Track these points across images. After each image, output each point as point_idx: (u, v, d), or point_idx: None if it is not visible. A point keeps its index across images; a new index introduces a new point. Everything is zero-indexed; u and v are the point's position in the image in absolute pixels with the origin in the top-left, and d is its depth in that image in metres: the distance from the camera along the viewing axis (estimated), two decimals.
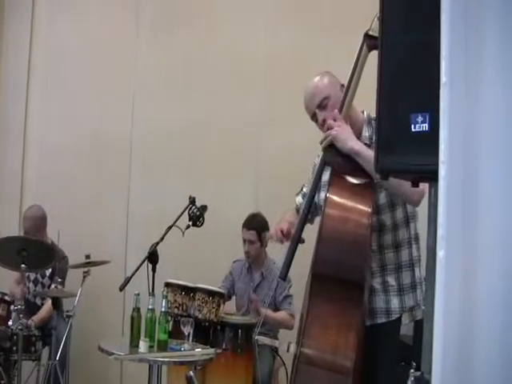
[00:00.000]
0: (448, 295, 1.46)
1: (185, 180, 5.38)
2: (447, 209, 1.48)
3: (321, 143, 2.82)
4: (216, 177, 5.46)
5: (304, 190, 3.16)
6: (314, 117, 2.90)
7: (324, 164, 2.84)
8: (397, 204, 2.81)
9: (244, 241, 4.75)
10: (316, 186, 2.83)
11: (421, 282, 2.82)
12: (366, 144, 2.76)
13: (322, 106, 2.86)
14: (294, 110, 5.34)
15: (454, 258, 1.46)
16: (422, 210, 2.42)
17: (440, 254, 1.45)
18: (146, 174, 5.61)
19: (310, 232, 2.93)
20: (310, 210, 2.84)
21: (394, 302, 2.79)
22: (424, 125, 1.87)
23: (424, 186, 2.09)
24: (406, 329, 4.34)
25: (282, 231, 2.88)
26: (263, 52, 5.51)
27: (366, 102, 2.69)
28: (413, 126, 1.89)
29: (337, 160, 2.76)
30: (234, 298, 4.88)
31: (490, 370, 1.51)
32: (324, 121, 2.82)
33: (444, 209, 1.48)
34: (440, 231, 1.48)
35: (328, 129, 2.76)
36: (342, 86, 2.85)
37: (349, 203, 2.68)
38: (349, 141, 2.73)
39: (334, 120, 2.76)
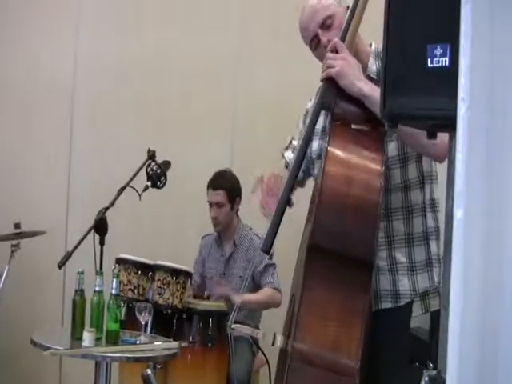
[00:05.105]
0: (468, 267, 1.47)
1: (141, 131, 5.39)
2: (467, 157, 1.47)
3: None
4: (181, 127, 5.47)
5: (294, 143, 3.18)
6: (313, 41, 2.88)
7: (321, 107, 2.83)
8: (410, 158, 2.82)
9: (210, 204, 4.80)
10: (311, 134, 2.80)
11: (438, 260, 2.85)
12: (372, 79, 2.74)
13: (326, 25, 2.85)
14: (278, 47, 5.43)
15: (475, 219, 1.46)
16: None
17: (458, 214, 1.45)
18: (91, 124, 5.60)
19: (301, 196, 2.96)
20: (302, 164, 2.83)
21: (404, 283, 2.81)
22: (444, 59, 1.88)
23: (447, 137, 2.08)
24: (421, 321, 4.41)
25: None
26: None
27: (372, 32, 2.70)
28: (429, 61, 1.90)
29: (338, 102, 2.76)
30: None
31: None
32: (329, 42, 2.78)
33: (463, 157, 1.47)
34: (458, 186, 1.47)
35: (327, 66, 2.73)
36: (348, 8, 2.85)
37: (355, 159, 2.66)
38: (356, 80, 2.69)
39: (336, 51, 2.73)
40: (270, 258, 4.62)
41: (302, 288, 2.62)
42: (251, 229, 4.80)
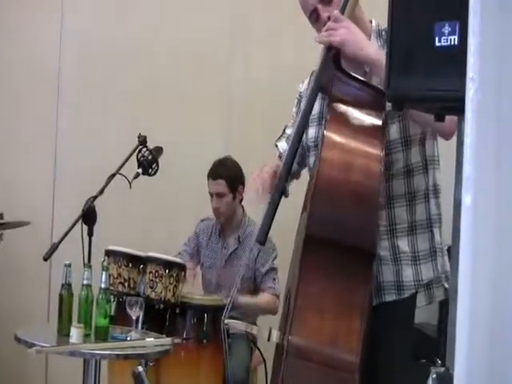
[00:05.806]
0: (477, 257, 1.47)
1: (131, 116, 5.38)
2: (476, 141, 1.46)
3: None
4: (174, 111, 5.46)
5: (288, 131, 3.18)
6: (312, 15, 2.88)
7: (318, 89, 2.82)
8: (413, 141, 2.83)
9: (211, 195, 4.80)
10: (307, 118, 2.81)
11: (442, 249, 2.87)
12: None
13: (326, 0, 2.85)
14: (278, 24, 5.42)
15: (485, 205, 1.46)
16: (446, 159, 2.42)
17: (467, 200, 1.44)
18: (78, 108, 5.59)
19: (297, 185, 2.96)
20: (297, 151, 2.83)
21: (407, 274, 2.82)
22: (452, 37, 1.88)
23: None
24: (429, 316, 4.41)
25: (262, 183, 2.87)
26: None
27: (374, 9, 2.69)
28: (437, 39, 1.90)
29: (336, 83, 2.75)
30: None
31: None
32: (329, 19, 2.78)
33: (472, 140, 1.46)
34: (467, 171, 1.47)
35: (329, 34, 2.72)
36: None
37: (353, 144, 2.67)
38: (363, 45, 2.70)
39: (336, 21, 2.72)
40: (273, 261, 4.65)
41: (298, 280, 2.62)
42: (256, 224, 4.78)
